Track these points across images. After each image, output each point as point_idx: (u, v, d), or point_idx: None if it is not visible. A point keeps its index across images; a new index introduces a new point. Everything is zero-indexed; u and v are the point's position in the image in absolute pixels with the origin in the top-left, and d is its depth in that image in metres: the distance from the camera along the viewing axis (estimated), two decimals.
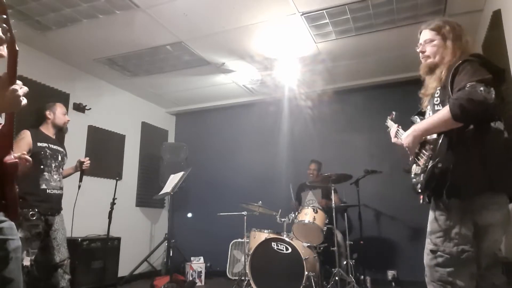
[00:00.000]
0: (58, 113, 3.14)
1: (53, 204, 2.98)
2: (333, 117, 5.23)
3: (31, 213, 2.78)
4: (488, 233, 1.55)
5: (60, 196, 3.07)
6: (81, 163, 3.20)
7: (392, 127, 2.08)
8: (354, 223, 4.57)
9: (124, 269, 4.69)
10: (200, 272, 5.00)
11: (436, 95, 1.72)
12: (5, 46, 1.38)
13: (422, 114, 1.88)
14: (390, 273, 4.51)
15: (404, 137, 1.75)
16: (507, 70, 2.59)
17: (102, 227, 3.99)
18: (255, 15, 3.47)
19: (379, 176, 4.15)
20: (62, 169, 3.16)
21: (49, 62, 4.31)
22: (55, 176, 3.02)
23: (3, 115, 1.39)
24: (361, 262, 4.14)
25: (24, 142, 2.87)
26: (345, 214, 4.22)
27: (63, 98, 4.40)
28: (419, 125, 1.69)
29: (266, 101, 5.61)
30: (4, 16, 1.16)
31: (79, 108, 4.64)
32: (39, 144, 2.95)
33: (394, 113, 2.19)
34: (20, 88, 1.26)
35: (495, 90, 1.53)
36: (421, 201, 1.78)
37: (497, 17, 2.84)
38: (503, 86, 1.69)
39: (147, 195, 5.58)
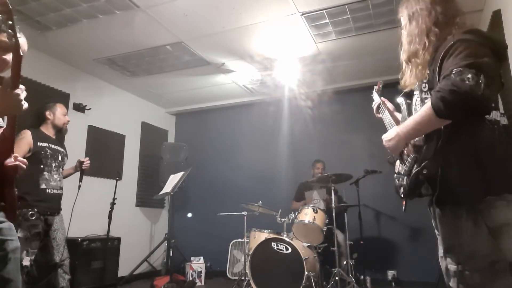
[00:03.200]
0: (58, 113, 3.14)
1: (53, 204, 2.98)
2: (333, 117, 5.23)
3: (30, 213, 2.78)
4: (503, 235, 1.28)
5: (59, 196, 3.06)
6: (80, 163, 3.19)
7: (376, 100, 1.85)
8: (354, 223, 4.56)
9: (124, 269, 4.69)
10: (200, 272, 5.00)
11: (424, 80, 1.46)
12: (11, 54, 1.40)
13: (409, 96, 1.63)
14: (390, 273, 4.51)
15: (386, 138, 1.52)
16: (507, 70, 2.59)
17: (102, 227, 3.99)
18: (255, 15, 3.47)
19: (379, 176, 4.15)
20: (62, 169, 3.15)
21: (49, 62, 4.31)
22: (55, 176, 3.02)
23: (5, 118, 1.41)
24: (361, 262, 4.14)
25: (24, 141, 2.86)
26: (345, 214, 4.22)
27: (63, 98, 4.39)
28: (403, 127, 1.43)
29: (266, 101, 5.61)
30: (10, 22, 1.19)
31: (79, 108, 4.64)
32: (39, 143, 2.95)
33: (381, 81, 1.93)
34: (22, 92, 1.28)
35: (495, 72, 1.30)
36: (403, 207, 1.56)
37: (497, 17, 2.84)
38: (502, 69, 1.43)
39: (147, 195, 5.58)
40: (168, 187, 4.42)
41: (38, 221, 2.82)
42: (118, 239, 4.52)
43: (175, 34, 3.81)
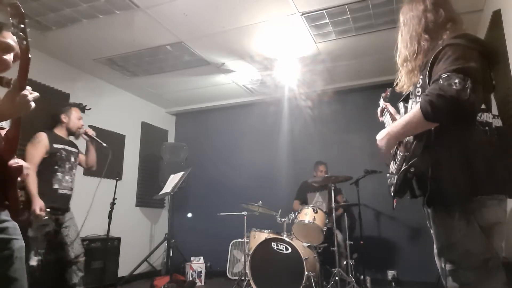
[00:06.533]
0: (73, 117, 3.26)
1: (62, 204, 3.09)
2: (333, 117, 5.23)
3: (44, 214, 2.87)
4: (495, 233, 1.31)
5: (69, 197, 3.18)
6: (86, 134, 3.29)
7: (381, 105, 1.90)
8: (354, 223, 4.57)
9: (124, 269, 4.69)
10: (200, 272, 5.00)
11: (418, 85, 1.49)
12: (12, 54, 1.43)
13: (407, 101, 1.65)
14: (390, 273, 4.51)
15: (378, 137, 1.54)
16: (507, 70, 2.59)
17: (102, 227, 3.99)
18: (255, 15, 3.47)
19: (379, 176, 4.14)
20: (75, 169, 3.26)
21: (49, 62, 4.31)
22: (67, 177, 3.13)
23: (8, 120, 1.42)
24: (361, 262, 4.14)
25: (41, 144, 2.99)
26: (345, 214, 4.22)
27: (63, 98, 4.40)
28: (393, 127, 1.47)
29: (266, 101, 5.61)
30: (22, 26, 1.21)
31: (79, 108, 4.63)
32: (55, 145, 3.07)
33: (389, 89, 1.93)
34: (30, 94, 1.31)
35: (486, 76, 1.32)
36: (393, 205, 1.61)
37: (497, 17, 2.84)
38: (494, 72, 1.45)
39: (147, 195, 5.58)
40: (168, 187, 4.43)
41: (49, 220, 2.92)
42: (118, 239, 4.52)
43: (175, 34, 3.81)
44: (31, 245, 2.82)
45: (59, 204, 3.05)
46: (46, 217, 2.87)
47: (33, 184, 2.86)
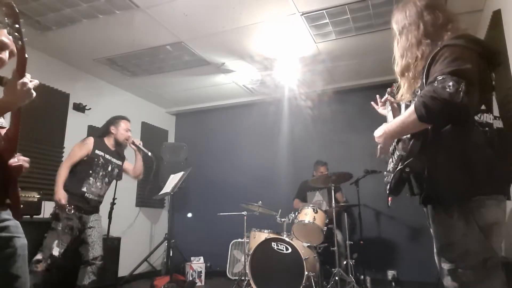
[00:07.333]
0: (121, 129, 3.43)
1: (88, 206, 3.20)
2: (333, 117, 5.23)
3: (68, 208, 3.03)
4: (493, 233, 1.31)
5: (96, 203, 3.31)
6: (133, 143, 3.47)
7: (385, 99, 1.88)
8: (354, 223, 4.57)
9: (124, 269, 4.69)
10: (200, 272, 5.00)
11: (417, 85, 1.50)
12: (7, 52, 1.43)
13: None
14: (390, 273, 4.51)
15: (377, 134, 1.56)
16: (507, 70, 2.59)
17: (102, 227, 3.99)
18: (255, 15, 3.47)
19: (379, 176, 4.12)
20: (110, 179, 3.40)
21: (49, 62, 4.31)
22: (98, 184, 3.26)
23: (8, 119, 1.42)
24: (361, 262, 4.14)
25: (86, 147, 3.22)
26: (345, 214, 4.22)
27: (63, 98, 4.40)
28: (390, 125, 1.49)
29: (266, 101, 5.61)
30: (17, 26, 1.22)
31: (79, 108, 4.64)
32: (96, 151, 3.25)
33: (395, 84, 1.83)
34: (30, 81, 1.32)
35: (485, 76, 1.33)
36: (389, 203, 1.65)
37: (497, 17, 2.84)
38: (495, 72, 1.44)
39: (147, 195, 5.58)
40: (168, 187, 4.42)
41: (74, 216, 3.06)
42: (118, 239, 4.51)
43: (175, 34, 3.81)
44: (56, 236, 2.96)
45: (84, 205, 3.16)
46: (72, 212, 3.02)
47: (62, 176, 3.05)
